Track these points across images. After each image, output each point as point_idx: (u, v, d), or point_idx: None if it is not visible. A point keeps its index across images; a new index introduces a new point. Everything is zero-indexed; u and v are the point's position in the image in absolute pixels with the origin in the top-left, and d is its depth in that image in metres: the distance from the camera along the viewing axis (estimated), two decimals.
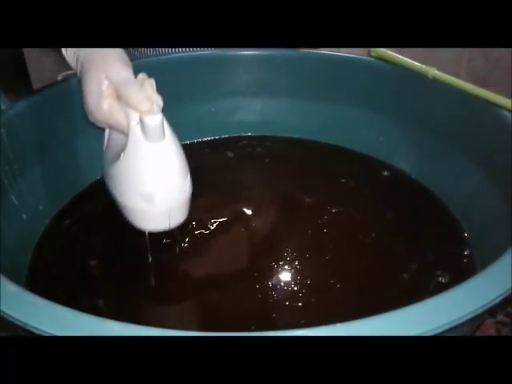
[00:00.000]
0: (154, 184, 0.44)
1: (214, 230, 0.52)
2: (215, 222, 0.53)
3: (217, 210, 0.55)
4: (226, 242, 0.51)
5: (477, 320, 0.37)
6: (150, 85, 0.44)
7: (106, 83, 0.45)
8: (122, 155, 0.44)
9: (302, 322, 0.42)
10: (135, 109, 0.43)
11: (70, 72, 0.56)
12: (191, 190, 0.46)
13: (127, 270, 0.48)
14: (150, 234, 0.47)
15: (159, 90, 0.45)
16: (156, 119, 0.42)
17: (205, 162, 0.64)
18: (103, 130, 0.50)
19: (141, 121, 0.42)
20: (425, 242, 0.50)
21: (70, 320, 0.29)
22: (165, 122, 0.43)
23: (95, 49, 0.47)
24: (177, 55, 0.67)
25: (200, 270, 0.48)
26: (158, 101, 0.44)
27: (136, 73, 0.46)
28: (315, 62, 0.65)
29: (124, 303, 0.44)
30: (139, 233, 0.52)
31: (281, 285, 0.46)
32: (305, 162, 0.64)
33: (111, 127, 0.47)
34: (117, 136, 0.47)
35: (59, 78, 0.56)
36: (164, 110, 0.44)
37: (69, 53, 0.48)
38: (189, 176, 0.46)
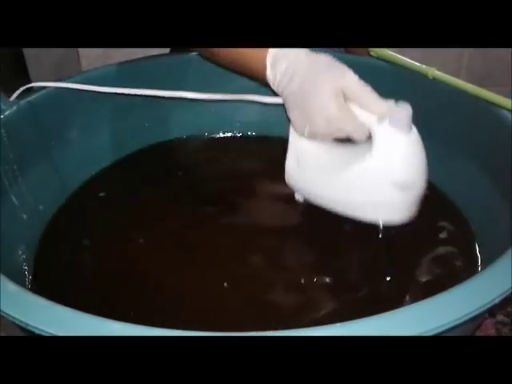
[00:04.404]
0: (413, 171, 0.46)
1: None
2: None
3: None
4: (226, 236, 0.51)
5: (477, 320, 0.37)
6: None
7: (342, 87, 0.45)
8: (366, 155, 0.46)
9: (300, 321, 0.42)
10: (377, 108, 0.45)
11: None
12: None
13: (128, 268, 0.48)
14: None
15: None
16: (407, 110, 0.44)
17: (205, 162, 0.64)
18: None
19: (390, 115, 0.44)
20: (425, 242, 0.50)
21: (70, 320, 0.29)
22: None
23: (310, 57, 0.47)
24: (177, 55, 0.67)
25: None
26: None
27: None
28: None
29: (124, 301, 0.44)
30: (137, 234, 0.52)
31: (281, 281, 0.46)
32: None
33: (345, 134, 0.47)
34: (322, 151, 0.49)
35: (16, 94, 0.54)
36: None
37: (277, 71, 0.48)
38: None
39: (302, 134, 0.49)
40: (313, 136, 0.48)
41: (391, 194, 0.46)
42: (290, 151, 0.52)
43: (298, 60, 0.48)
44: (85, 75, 0.62)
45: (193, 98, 0.55)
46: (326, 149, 0.49)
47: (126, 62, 0.63)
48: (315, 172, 0.51)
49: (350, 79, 0.46)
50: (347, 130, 0.46)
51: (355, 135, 0.46)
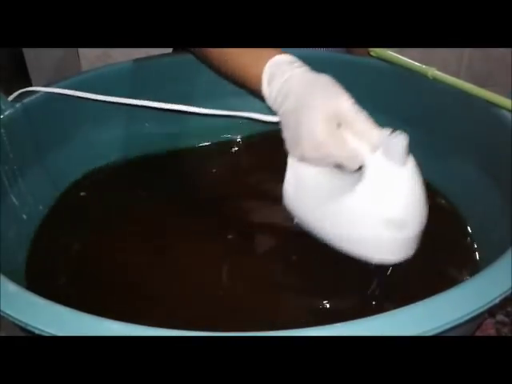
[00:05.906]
0: (408, 209, 0.41)
1: None
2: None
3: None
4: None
5: (477, 320, 0.37)
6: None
7: (335, 112, 0.43)
8: (355, 187, 0.42)
9: (299, 321, 0.42)
10: (370, 136, 0.41)
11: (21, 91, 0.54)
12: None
13: (127, 269, 0.48)
14: None
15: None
16: (403, 140, 0.40)
17: (205, 162, 0.64)
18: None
19: (384, 145, 0.40)
20: (424, 242, 0.50)
21: (70, 320, 0.29)
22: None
23: (307, 77, 0.46)
24: (177, 55, 0.67)
25: None
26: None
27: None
28: (314, 62, 0.64)
29: (123, 303, 0.44)
30: (139, 234, 0.52)
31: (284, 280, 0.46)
32: None
33: (335, 160, 0.43)
34: (320, 176, 0.45)
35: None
36: None
37: (273, 88, 0.47)
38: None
39: (294, 156, 0.46)
40: (303, 159, 0.45)
41: (382, 232, 0.41)
42: (288, 173, 0.48)
43: (294, 79, 0.46)
44: (85, 76, 0.62)
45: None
46: (324, 175, 0.46)
47: (127, 61, 0.62)
48: (311, 199, 0.46)
49: (343, 103, 0.43)
50: (336, 157, 0.43)
51: (345, 163, 0.43)
